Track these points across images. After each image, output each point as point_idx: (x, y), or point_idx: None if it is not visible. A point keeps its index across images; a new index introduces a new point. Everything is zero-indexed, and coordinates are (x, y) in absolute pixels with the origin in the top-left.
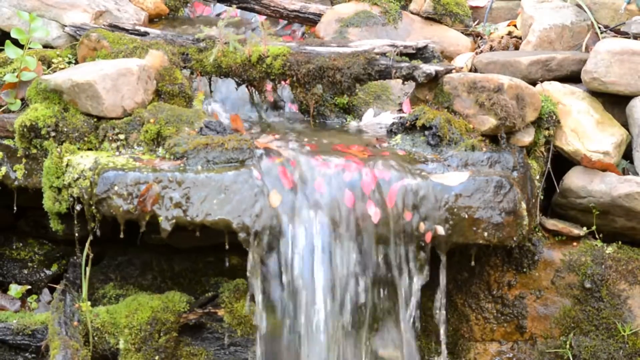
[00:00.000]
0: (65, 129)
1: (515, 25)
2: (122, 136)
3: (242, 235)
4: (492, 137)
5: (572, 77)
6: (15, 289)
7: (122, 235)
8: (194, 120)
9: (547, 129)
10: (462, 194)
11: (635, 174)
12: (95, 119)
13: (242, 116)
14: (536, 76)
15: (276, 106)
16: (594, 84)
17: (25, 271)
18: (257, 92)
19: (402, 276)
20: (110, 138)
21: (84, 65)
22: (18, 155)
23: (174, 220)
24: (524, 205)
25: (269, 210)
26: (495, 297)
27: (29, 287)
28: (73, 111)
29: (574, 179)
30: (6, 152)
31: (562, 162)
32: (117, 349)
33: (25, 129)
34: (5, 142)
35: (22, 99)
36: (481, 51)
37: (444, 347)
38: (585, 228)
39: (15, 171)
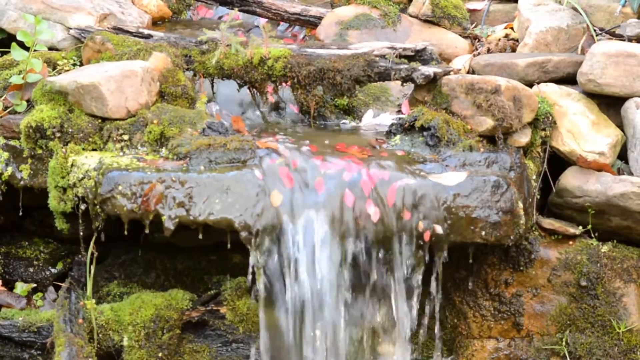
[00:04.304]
0: (70, 130)
1: (512, 28)
2: (126, 137)
3: (243, 234)
4: (489, 138)
5: (568, 79)
6: (21, 287)
7: (126, 234)
8: (196, 121)
9: (544, 129)
10: (460, 194)
11: (630, 174)
12: (99, 120)
13: (244, 117)
14: (533, 78)
15: (277, 107)
16: (590, 86)
17: (31, 269)
18: (258, 94)
19: (401, 274)
20: (115, 139)
21: (89, 67)
22: (24, 155)
23: (177, 220)
24: (520, 204)
25: (270, 209)
26: (493, 295)
27: (35, 285)
28: (78, 112)
29: (570, 179)
30: (12, 152)
31: (558, 162)
32: (121, 346)
33: (31, 130)
34: (12, 142)
35: (28, 101)
36: (479, 53)
37: (437, 342)
38: (581, 227)
39: (21, 171)
